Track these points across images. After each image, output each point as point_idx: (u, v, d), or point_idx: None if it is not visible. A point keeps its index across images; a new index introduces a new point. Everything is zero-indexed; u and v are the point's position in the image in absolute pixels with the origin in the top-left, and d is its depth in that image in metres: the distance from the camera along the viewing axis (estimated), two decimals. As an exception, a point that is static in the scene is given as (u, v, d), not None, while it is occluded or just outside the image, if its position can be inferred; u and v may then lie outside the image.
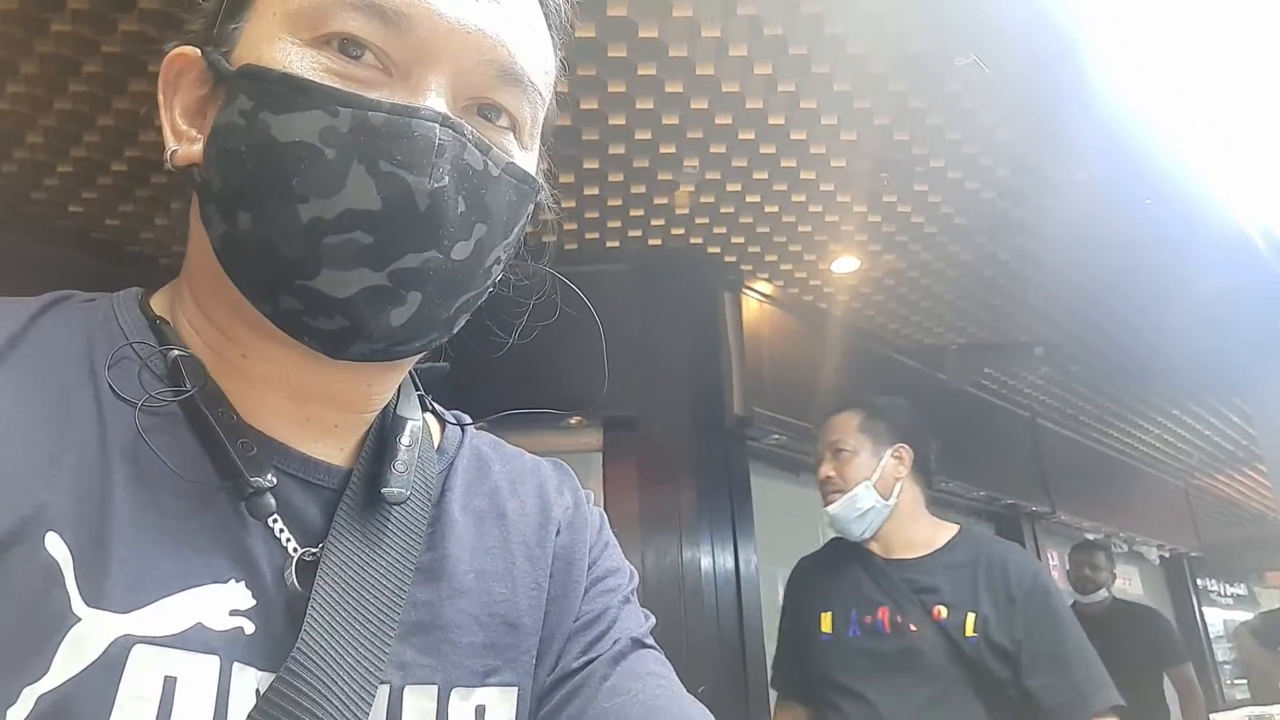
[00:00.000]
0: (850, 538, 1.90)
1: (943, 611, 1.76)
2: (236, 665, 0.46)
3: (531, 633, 0.58)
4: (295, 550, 0.49)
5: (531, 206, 0.55)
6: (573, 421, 2.79)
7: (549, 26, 0.57)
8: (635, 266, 2.93)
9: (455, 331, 0.54)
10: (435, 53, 0.49)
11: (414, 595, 0.53)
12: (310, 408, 0.53)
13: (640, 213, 2.72)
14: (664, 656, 0.61)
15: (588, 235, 2.83)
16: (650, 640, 0.62)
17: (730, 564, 2.87)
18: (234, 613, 0.47)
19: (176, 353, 0.50)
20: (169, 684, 0.43)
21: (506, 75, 0.52)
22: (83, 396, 0.47)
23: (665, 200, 2.66)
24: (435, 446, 0.62)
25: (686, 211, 2.72)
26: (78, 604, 0.42)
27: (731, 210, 2.74)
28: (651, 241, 2.87)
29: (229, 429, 0.49)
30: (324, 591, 0.48)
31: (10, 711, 0.39)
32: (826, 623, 1.89)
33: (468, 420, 0.68)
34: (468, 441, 0.65)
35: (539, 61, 0.54)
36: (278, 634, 0.47)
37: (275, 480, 0.49)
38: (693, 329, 2.96)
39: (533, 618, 0.58)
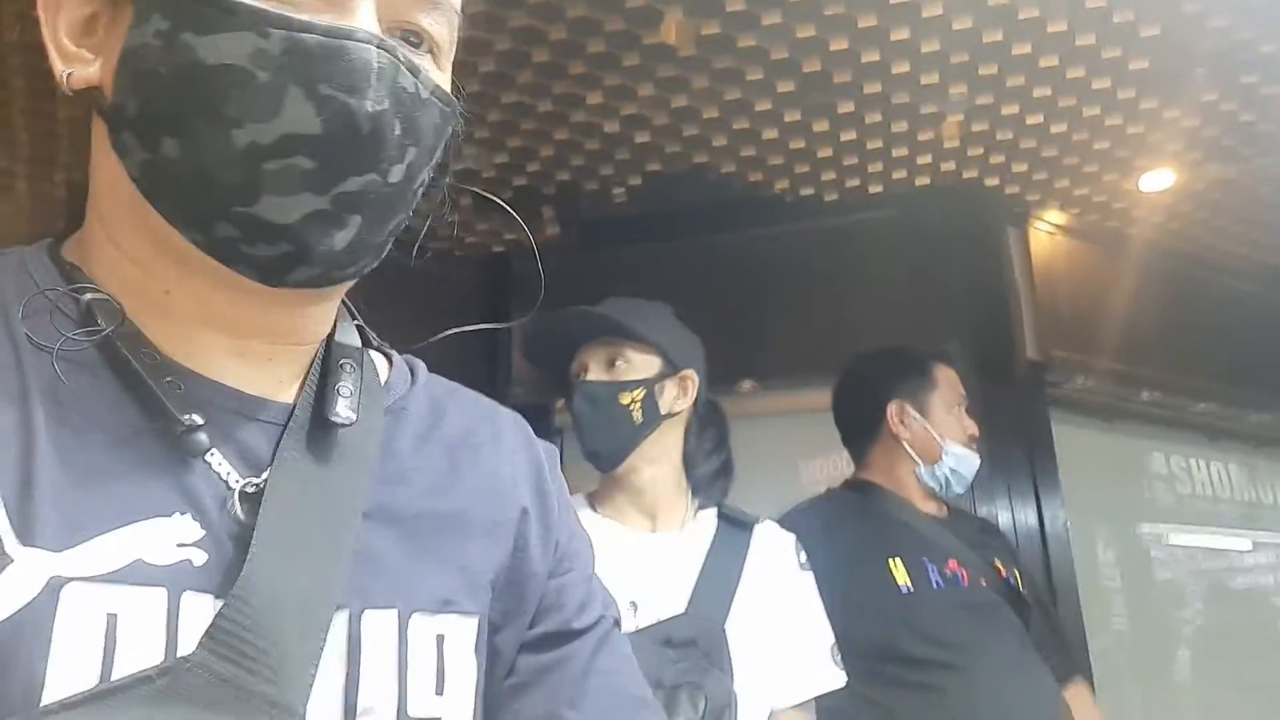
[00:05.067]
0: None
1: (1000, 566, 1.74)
2: (189, 594, 0.45)
3: (485, 573, 0.58)
4: (236, 482, 0.49)
5: (450, 129, 0.53)
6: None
7: None
8: (902, 211, 2.75)
9: (382, 257, 0.53)
10: None
11: (369, 527, 0.52)
12: (242, 342, 0.52)
13: (904, 152, 2.53)
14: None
15: (848, 183, 2.69)
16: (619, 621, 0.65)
17: (1033, 522, 2.64)
18: (180, 545, 0.46)
19: (89, 296, 0.49)
20: (111, 620, 0.43)
21: (428, 0, 0.51)
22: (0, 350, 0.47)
23: (931, 135, 2.45)
24: (383, 382, 0.61)
25: (956, 145, 2.49)
26: (11, 544, 0.42)
27: (1010, 136, 2.47)
28: (919, 181, 2.67)
29: (151, 368, 0.49)
30: (271, 516, 0.48)
31: None
32: (901, 573, 1.62)
33: (420, 363, 0.66)
34: (420, 382, 0.63)
35: None
36: (229, 563, 0.47)
37: (203, 419, 0.48)
38: (972, 271, 2.72)
39: (488, 563, 0.58)
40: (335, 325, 0.59)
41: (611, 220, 2.90)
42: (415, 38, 0.52)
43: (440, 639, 0.54)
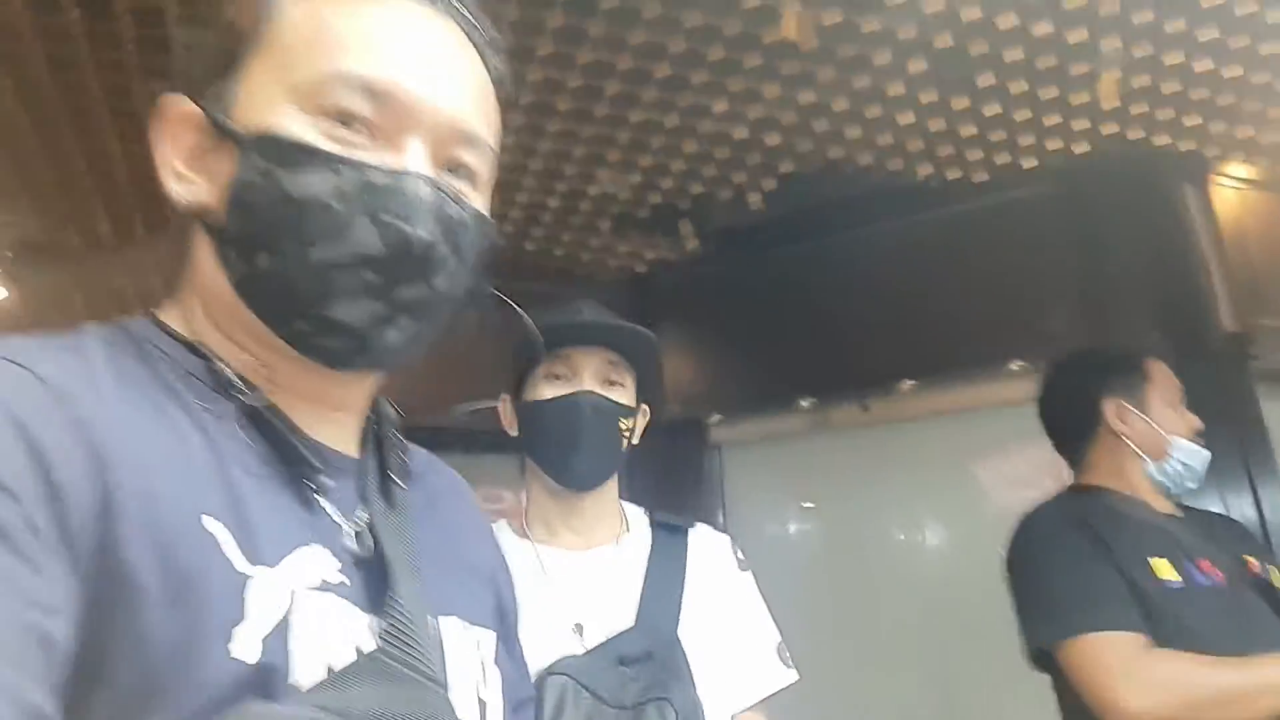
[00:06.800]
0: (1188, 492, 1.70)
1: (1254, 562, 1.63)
2: (346, 604, 0.58)
3: (488, 602, 0.76)
4: (341, 519, 0.63)
5: (487, 242, 0.66)
6: (1014, 367, 2.51)
7: (495, 92, 0.69)
8: (1062, 184, 2.56)
9: (428, 346, 0.66)
10: (414, 124, 0.61)
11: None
12: (322, 410, 0.66)
13: (1057, 120, 2.36)
14: None
15: (998, 160, 2.54)
16: None
17: (1250, 514, 2.36)
18: (330, 567, 0.59)
19: (230, 367, 0.61)
20: (322, 617, 0.56)
21: (468, 140, 0.65)
22: (175, 410, 0.58)
23: (1086, 98, 2.28)
24: None
25: (1117, 104, 2.29)
26: (243, 564, 0.53)
27: (1178, 88, 2.26)
28: (1077, 150, 2.49)
29: (291, 428, 0.62)
30: (389, 549, 0.62)
31: (231, 647, 0.51)
32: (1166, 569, 1.50)
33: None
34: (412, 446, 0.77)
35: (490, 124, 0.68)
36: (359, 584, 0.60)
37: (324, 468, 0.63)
38: (1149, 241, 2.50)
39: (488, 595, 0.77)
40: (379, 401, 0.74)
41: (751, 227, 2.86)
42: (459, 168, 0.65)
43: (479, 643, 0.70)
